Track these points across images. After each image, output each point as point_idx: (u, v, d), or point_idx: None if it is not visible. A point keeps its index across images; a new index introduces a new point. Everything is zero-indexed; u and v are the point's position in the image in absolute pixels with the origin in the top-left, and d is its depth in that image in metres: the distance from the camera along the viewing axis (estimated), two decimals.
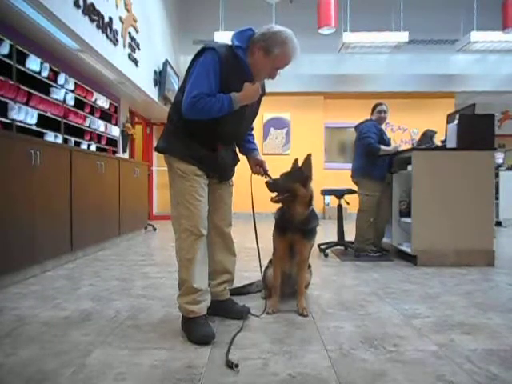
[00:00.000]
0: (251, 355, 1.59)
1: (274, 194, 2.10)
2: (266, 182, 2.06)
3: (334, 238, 4.23)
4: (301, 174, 2.10)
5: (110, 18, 4.95)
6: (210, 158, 1.87)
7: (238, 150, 2.15)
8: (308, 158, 2.13)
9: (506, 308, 2.25)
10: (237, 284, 2.36)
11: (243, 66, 1.82)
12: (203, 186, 1.87)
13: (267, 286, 2.35)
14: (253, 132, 2.23)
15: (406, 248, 3.67)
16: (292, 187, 2.06)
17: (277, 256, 2.23)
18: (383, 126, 4.19)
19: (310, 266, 2.40)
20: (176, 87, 7.48)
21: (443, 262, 3.42)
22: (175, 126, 1.87)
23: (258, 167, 2.13)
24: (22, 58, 4.25)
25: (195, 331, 1.74)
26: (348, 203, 4.23)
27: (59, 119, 4.99)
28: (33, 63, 4.41)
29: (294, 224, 2.10)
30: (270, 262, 2.40)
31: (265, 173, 2.13)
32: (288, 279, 2.31)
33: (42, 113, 4.62)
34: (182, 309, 1.83)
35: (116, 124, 6.64)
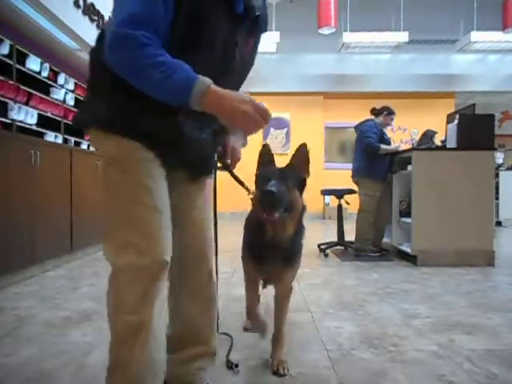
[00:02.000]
0: (251, 355, 1.59)
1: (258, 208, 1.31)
2: (266, 192, 1.22)
3: (334, 238, 4.23)
4: (295, 174, 1.35)
5: (110, 19, 4.96)
6: (166, 130, 1.01)
7: None
8: (302, 150, 1.38)
9: (506, 308, 2.25)
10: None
11: None
12: (158, 178, 1.02)
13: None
14: None
15: (406, 248, 3.67)
16: (293, 200, 1.31)
17: (250, 281, 1.60)
18: None
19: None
20: None
21: (443, 262, 3.42)
22: (98, 76, 1.02)
23: (228, 155, 1.31)
24: (22, 58, 4.25)
25: None
26: (348, 203, 4.23)
27: (59, 119, 4.99)
28: (33, 63, 4.41)
29: (277, 252, 1.37)
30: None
31: (225, 167, 1.33)
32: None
33: (41, 113, 4.62)
34: None
35: None
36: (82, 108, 1.10)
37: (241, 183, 1.32)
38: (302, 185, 1.36)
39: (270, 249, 1.37)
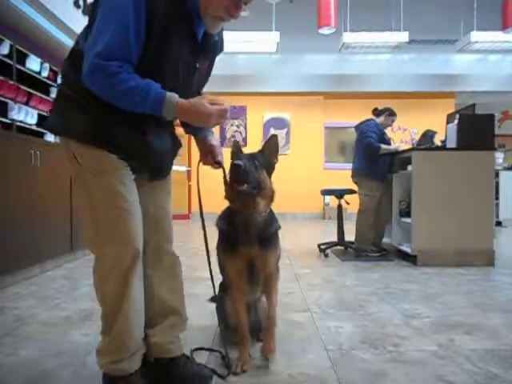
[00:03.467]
0: (251, 355, 1.59)
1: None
2: (235, 165, 1.38)
3: (334, 238, 4.23)
4: (265, 158, 1.52)
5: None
6: (136, 146, 1.22)
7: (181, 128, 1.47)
8: (273, 139, 1.56)
9: (506, 308, 2.25)
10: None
11: (187, 2, 1.16)
12: (129, 183, 1.23)
13: (227, 325, 1.66)
14: None
15: (405, 248, 3.67)
16: (261, 178, 1.45)
17: (235, 288, 1.55)
18: None
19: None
20: None
21: (443, 262, 3.41)
22: (73, 90, 1.16)
23: (209, 156, 1.44)
24: (22, 58, 4.25)
25: None
26: (348, 203, 4.23)
27: None
28: (33, 63, 4.41)
29: (251, 231, 1.46)
30: (222, 287, 1.70)
31: (217, 164, 1.44)
32: (248, 310, 1.62)
33: (41, 113, 4.62)
34: (102, 366, 1.25)
35: None
36: (57, 114, 1.22)
37: (225, 178, 1.45)
38: (270, 168, 1.52)
39: (244, 228, 1.46)
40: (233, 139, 8.55)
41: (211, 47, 1.32)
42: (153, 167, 1.33)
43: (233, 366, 1.46)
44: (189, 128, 1.43)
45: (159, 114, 1.13)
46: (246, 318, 1.56)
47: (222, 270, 1.59)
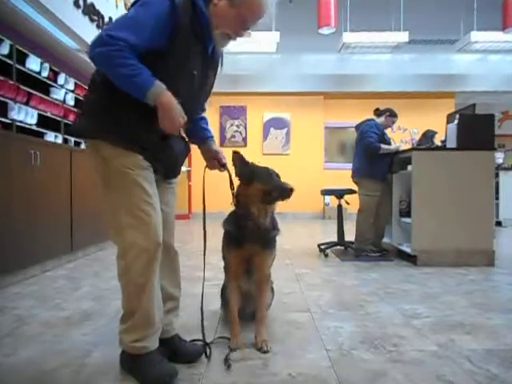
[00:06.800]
0: (251, 355, 1.59)
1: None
2: (291, 190, 1.59)
3: (334, 238, 4.23)
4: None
5: (110, 18, 4.96)
6: (158, 146, 1.39)
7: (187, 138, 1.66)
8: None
9: (506, 308, 2.25)
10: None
11: (201, 20, 1.37)
12: (152, 182, 1.40)
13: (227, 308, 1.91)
14: (205, 115, 1.73)
15: (405, 248, 3.67)
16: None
17: (232, 275, 1.77)
18: None
19: (271, 283, 1.94)
20: None
21: (443, 262, 3.42)
22: (100, 95, 1.35)
23: (215, 161, 1.68)
24: (22, 58, 4.25)
25: (151, 372, 1.36)
26: (348, 203, 4.23)
27: (59, 119, 4.99)
28: (33, 63, 4.41)
29: (257, 232, 1.65)
30: (225, 279, 1.92)
31: (222, 167, 1.69)
32: (247, 299, 1.85)
33: (41, 113, 4.62)
34: (126, 346, 1.40)
35: None
36: (84, 117, 1.37)
37: (230, 181, 1.67)
38: None
39: (253, 229, 1.63)
40: (233, 139, 8.56)
41: (217, 62, 1.56)
42: (169, 167, 1.50)
43: (230, 343, 1.65)
44: (194, 138, 1.67)
45: (145, 92, 1.25)
46: (236, 301, 1.76)
47: (225, 261, 1.80)
